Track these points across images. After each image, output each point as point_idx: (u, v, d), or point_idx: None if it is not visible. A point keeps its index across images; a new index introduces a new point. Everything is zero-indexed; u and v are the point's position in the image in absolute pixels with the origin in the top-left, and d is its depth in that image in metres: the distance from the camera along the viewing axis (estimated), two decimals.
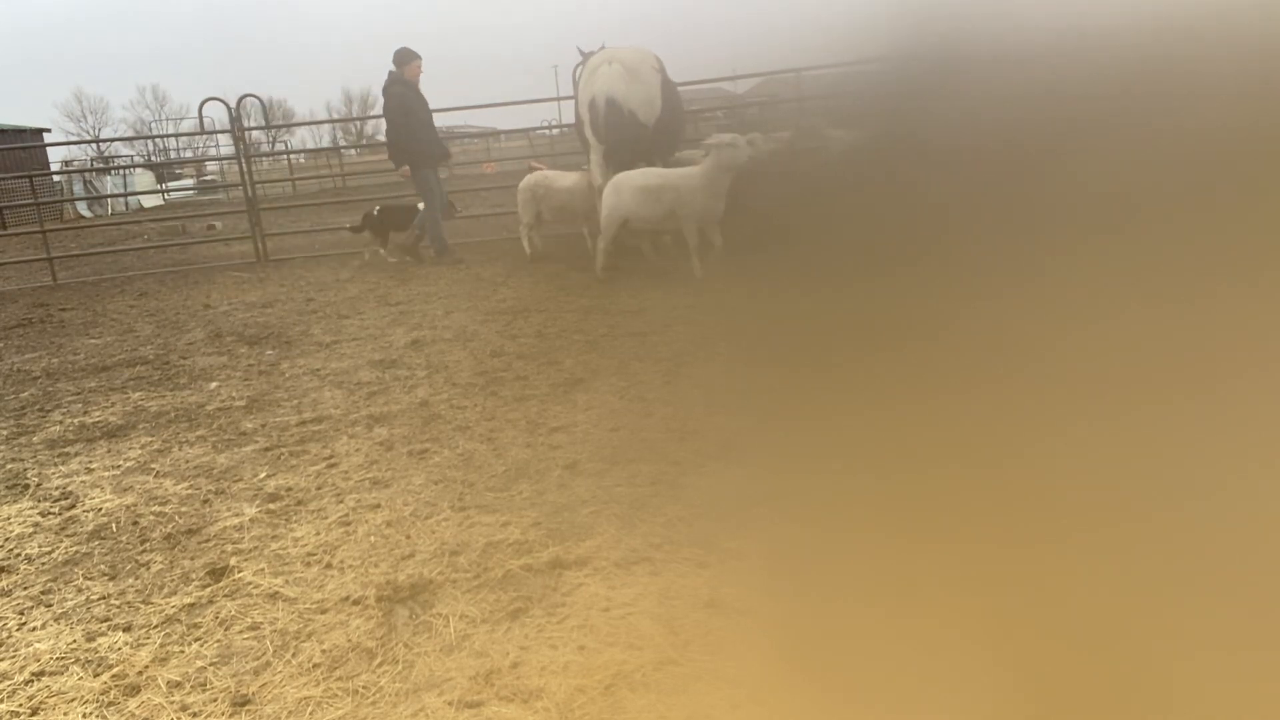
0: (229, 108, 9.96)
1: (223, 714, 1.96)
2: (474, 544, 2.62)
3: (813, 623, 2.00)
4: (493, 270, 7.83)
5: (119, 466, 3.58)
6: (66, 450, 3.85)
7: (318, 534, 2.79)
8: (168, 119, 55.23)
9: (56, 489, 3.39)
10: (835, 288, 2.15)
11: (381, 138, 9.33)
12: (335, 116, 65.07)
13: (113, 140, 47.54)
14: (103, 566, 2.72)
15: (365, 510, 2.94)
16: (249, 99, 11.32)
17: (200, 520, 2.99)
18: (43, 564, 2.78)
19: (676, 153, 7.51)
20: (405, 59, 8.10)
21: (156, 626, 2.35)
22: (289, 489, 3.18)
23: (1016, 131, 1.61)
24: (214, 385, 4.74)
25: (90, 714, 2.01)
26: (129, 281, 9.23)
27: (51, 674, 2.17)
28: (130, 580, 2.62)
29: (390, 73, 8.12)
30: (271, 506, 3.04)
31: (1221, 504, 1.29)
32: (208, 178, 29.79)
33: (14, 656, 2.26)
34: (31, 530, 3.04)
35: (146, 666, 2.16)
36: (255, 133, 42.23)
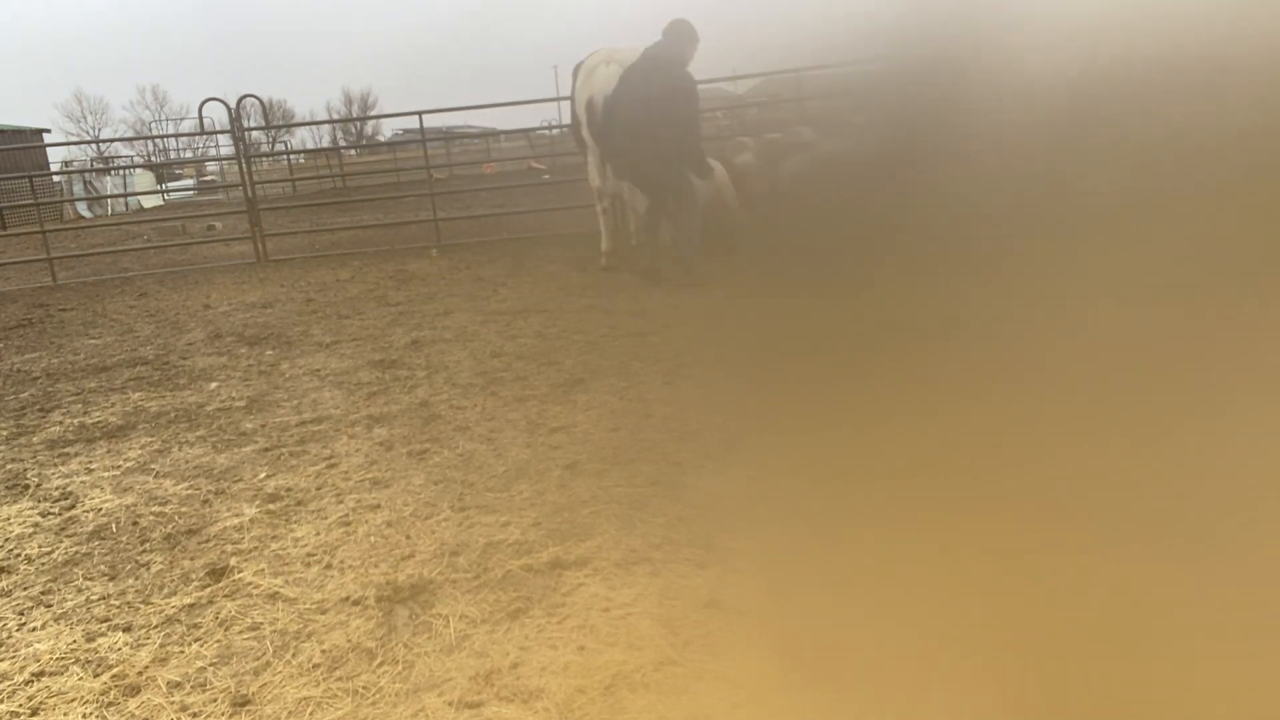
0: (229, 108, 9.97)
1: (223, 714, 1.96)
2: (474, 544, 2.62)
3: (813, 623, 2.00)
4: (493, 270, 7.83)
5: (119, 467, 3.58)
6: (66, 450, 3.85)
7: (318, 534, 2.79)
8: (168, 119, 55.30)
9: (56, 489, 3.39)
10: (836, 290, 2.15)
11: (383, 137, 9.09)
12: (335, 116, 65.20)
13: (113, 140, 47.59)
14: (103, 567, 2.72)
15: (365, 510, 2.94)
16: (249, 99, 11.34)
17: (200, 520, 2.99)
18: (43, 564, 2.78)
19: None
20: (691, 36, 6.23)
21: (156, 627, 2.35)
22: (289, 489, 3.18)
23: (1020, 132, 1.61)
24: (214, 385, 4.74)
25: (90, 714, 2.01)
26: (129, 282, 9.23)
27: (51, 674, 2.17)
28: (130, 580, 2.62)
29: (665, 44, 6.18)
30: (271, 507, 3.04)
31: (1227, 508, 1.29)
32: (208, 178, 29.81)
33: (14, 656, 2.26)
34: (31, 530, 3.04)
35: (146, 667, 2.16)
36: (255, 133, 42.28)
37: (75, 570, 2.72)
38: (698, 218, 6.31)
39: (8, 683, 2.15)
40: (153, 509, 3.13)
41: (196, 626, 2.33)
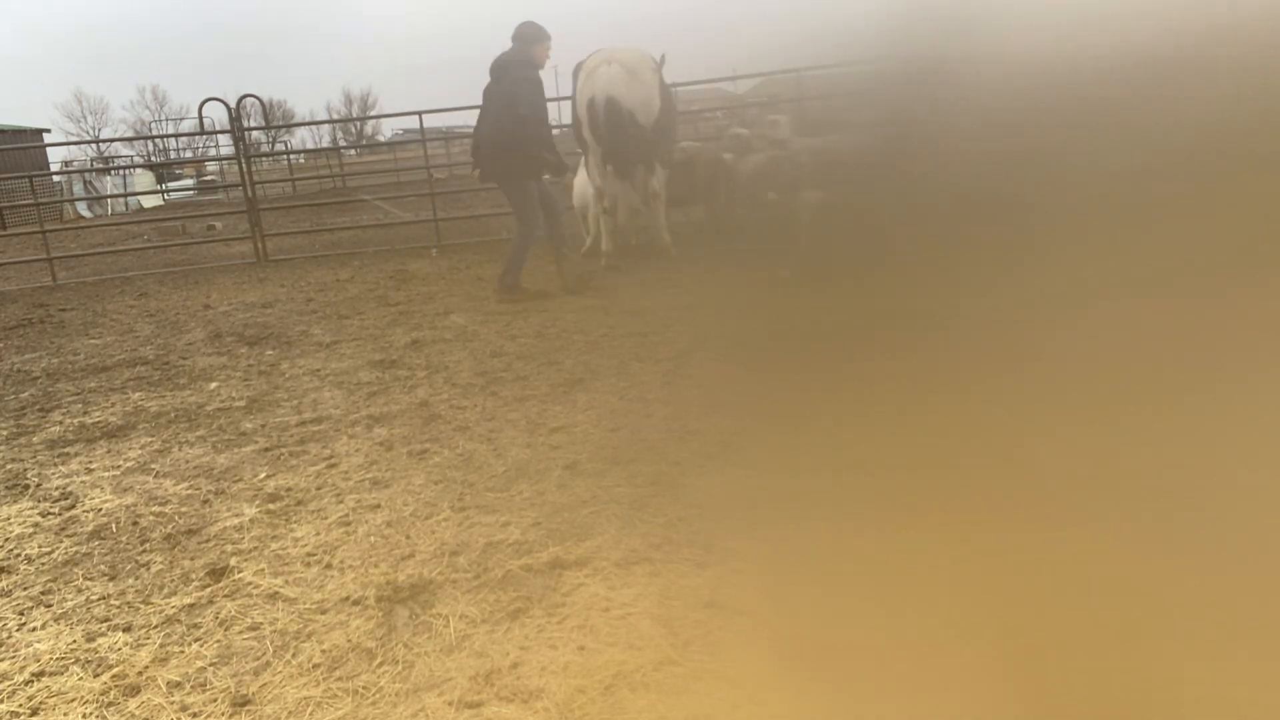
0: (229, 108, 9.97)
1: (223, 714, 1.96)
2: (474, 544, 2.62)
3: (813, 622, 2.00)
4: (493, 270, 7.82)
5: (119, 466, 3.58)
6: (66, 450, 3.84)
7: (318, 534, 2.80)
8: (168, 119, 55.29)
9: (56, 489, 3.39)
10: (834, 287, 2.15)
11: (383, 137, 9.07)
12: (335, 116, 65.24)
13: (113, 140, 47.60)
14: (103, 567, 2.72)
15: (365, 510, 2.94)
16: (249, 99, 11.34)
17: (200, 520, 2.99)
18: (43, 564, 2.78)
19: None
20: (536, 36, 6.21)
21: (156, 627, 2.35)
22: (289, 489, 3.18)
23: (1016, 129, 1.61)
24: (214, 385, 4.74)
25: (90, 714, 2.01)
26: (129, 281, 9.23)
27: (51, 674, 2.17)
28: (130, 580, 2.62)
29: (515, 49, 6.20)
30: (271, 506, 3.04)
31: (1230, 503, 1.29)
32: (208, 178, 29.80)
33: (14, 656, 2.26)
34: (31, 530, 3.04)
35: (146, 667, 2.16)
36: (255, 133, 42.30)
37: (75, 570, 2.72)
38: (534, 228, 6.23)
39: (8, 683, 2.15)
40: (153, 509, 3.13)
41: (196, 626, 2.33)
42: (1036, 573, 1.54)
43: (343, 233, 11.99)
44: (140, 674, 2.14)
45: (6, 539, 2.99)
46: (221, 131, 15.88)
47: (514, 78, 6.06)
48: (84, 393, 4.81)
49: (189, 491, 3.26)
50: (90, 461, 3.68)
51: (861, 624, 1.90)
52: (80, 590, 2.59)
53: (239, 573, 2.59)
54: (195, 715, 1.97)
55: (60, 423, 4.28)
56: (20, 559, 2.83)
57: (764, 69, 9.35)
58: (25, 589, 2.62)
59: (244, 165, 9.72)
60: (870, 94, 2.02)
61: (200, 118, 11.65)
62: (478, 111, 6.43)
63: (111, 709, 2.02)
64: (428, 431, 3.66)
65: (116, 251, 11.63)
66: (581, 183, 7.88)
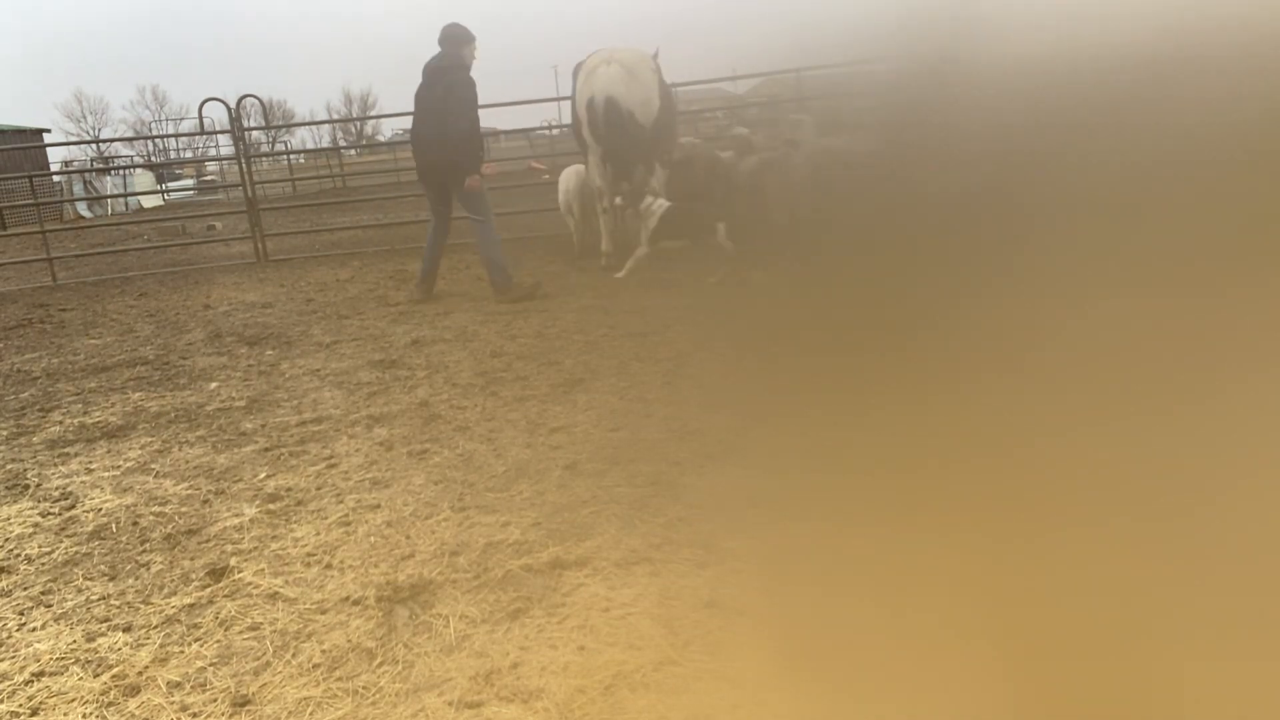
0: (229, 108, 9.97)
1: (223, 714, 1.96)
2: (474, 544, 2.62)
3: (812, 622, 2.00)
4: None
5: (119, 466, 3.58)
6: (66, 450, 3.84)
7: (318, 534, 2.80)
8: (168, 119, 55.31)
9: (56, 489, 3.39)
10: (833, 286, 2.15)
11: (383, 137, 9.04)
12: (335, 116, 65.29)
13: (113, 140, 47.60)
14: (103, 567, 2.72)
15: (365, 510, 2.94)
16: (249, 99, 11.35)
17: (200, 520, 2.99)
18: (43, 564, 2.78)
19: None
20: (465, 38, 6.31)
21: (156, 627, 2.35)
22: (289, 489, 3.18)
23: (1017, 129, 1.61)
24: (214, 385, 4.74)
25: (90, 714, 2.01)
26: (129, 282, 9.23)
27: (51, 674, 2.17)
28: (130, 580, 2.62)
29: (445, 53, 6.28)
30: (271, 506, 3.04)
31: (1229, 503, 1.29)
32: (208, 178, 29.79)
33: (14, 656, 2.26)
34: (31, 530, 3.04)
35: (146, 667, 2.16)
36: (255, 133, 42.31)
37: (75, 570, 2.72)
38: (491, 222, 6.28)
39: (8, 683, 2.15)
40: (153, 509, 3.13)
41: (196, 626, 2.33)
42: (1036, 573, 1.54)
43: (343, 233, 11.99)
44: (140, 674, 2.14)
45: (6, 539, 2.99)
46: (221, 131, 15.90)
47: (450, 80, 6.16)
48: (84, 393, 4.81)
49: (189, 491, 3.26)
50: (90, 461, 3.68)
51: (861, 624, 1.90)
52: (80, 590, 2.59)
53: (239, 573, 2.59)
54: (195, 715, 1.97)
55: (60, 423, 4.28)
56: (20, 559, 2.83)
57: (764, 69, 9.34)
58: (25, 589, 2.62)
59: (244, 165, 9.72)
60: (871, 95, 2.02)
61: (200, 118, 11.67)
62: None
63: (111, 709, 2.02)
64: (428, 431, 3.66)
65: (116, 252, 11.62)
66: (568, 177, 7.88)
